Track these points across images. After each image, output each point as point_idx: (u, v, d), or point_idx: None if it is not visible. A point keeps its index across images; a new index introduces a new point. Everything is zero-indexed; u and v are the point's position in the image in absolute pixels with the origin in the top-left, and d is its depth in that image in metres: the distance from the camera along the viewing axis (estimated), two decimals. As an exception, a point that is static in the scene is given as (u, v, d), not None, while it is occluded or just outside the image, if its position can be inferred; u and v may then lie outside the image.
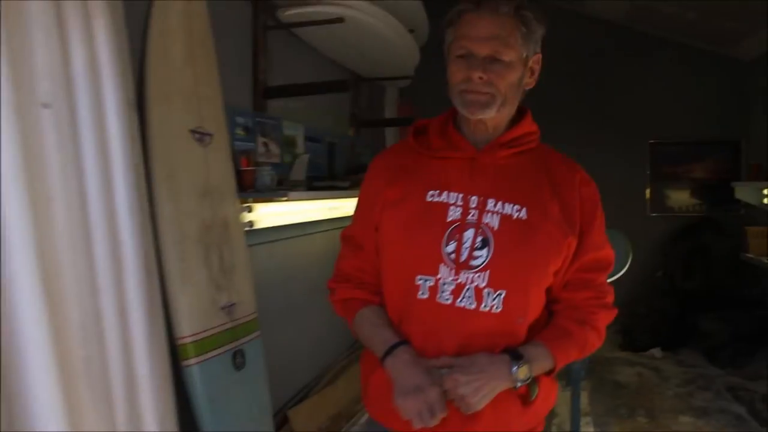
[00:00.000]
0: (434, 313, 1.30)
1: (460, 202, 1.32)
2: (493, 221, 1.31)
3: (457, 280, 1.29)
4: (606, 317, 1.40)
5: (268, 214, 2.78)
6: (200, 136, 2.26)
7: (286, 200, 2.71)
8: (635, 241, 5.24)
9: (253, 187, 2.63)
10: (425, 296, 1.30)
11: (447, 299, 1.29)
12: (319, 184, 3.40)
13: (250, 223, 2.64)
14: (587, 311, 1.38)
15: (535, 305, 1.36)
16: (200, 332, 2.12)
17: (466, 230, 1.30)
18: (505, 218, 1.31)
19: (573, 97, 5.52)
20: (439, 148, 1.39)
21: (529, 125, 1.40)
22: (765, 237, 4.30)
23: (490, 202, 1.32)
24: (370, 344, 1.40)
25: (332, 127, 4.07)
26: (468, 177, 1.35)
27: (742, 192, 4.56)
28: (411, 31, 4.20)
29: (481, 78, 1.27)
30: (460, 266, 1.29)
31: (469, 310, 1.29)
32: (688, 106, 5.41)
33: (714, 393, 4.09)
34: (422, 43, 4.60)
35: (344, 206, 3.53)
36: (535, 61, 1.36)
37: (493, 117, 1.33)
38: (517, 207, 1.32)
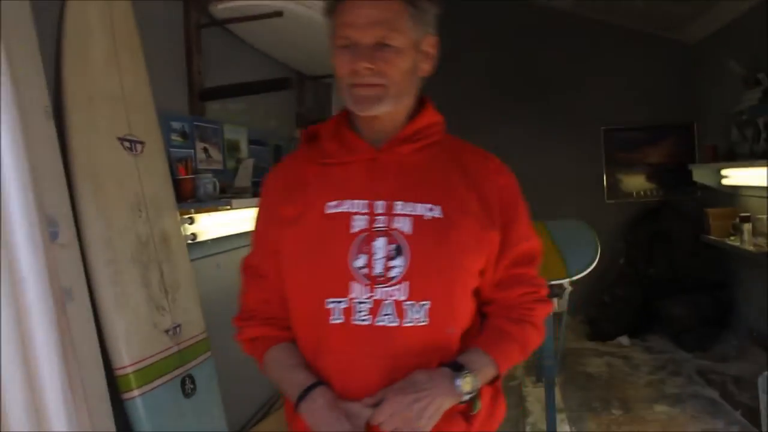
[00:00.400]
0: (352, 338, 1.14)
1: (364, 210, 1.17)
2: (404, 225, 1.16)
3: (373, 296, 1.13)
4: (542, 311, 1.29)
5: (212, 225, 2.61)
6: (130, 143, 2.08)
7: (229, 209, 2.53)
8: (596, 229, 5.27)
9: (193, 197, 2.46)
10: (339, 320, 1.14)
11: (364, 320, 1.13)
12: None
13: (193, 236, 2.47)
14: (523, 308, 1.26)
15: (465, 311, 1.22)
16: (142, 359, 1.93)
17: (375, 240, 1.15)
18: (417, 220, 1.16)
19: (523, 88, 5.46)
20: (334, 153, 1.23)
21: (431, 115, 1.27)
22: (725, 218, 4.27)
23: (398, 205, 1.17)
24: (283, 388, 1.23)
25: (278, 128, 3.90)
26: (370, 180, 1.19)
27: (700, 174, 4.53)
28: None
29: (368, 68, 1.13)
30: (375, 281, 1.13)
31: (392, 328, 1.13)
32: (639, 91, 5.38)
33: (685, 378, 4.04)
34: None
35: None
36: (430, 44, 1.22)
37: (389, 111, 1.19)
38: (429, 206, 1.17)
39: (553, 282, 2.84)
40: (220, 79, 2.93)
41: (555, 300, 2.93)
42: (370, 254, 1.14)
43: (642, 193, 5.51)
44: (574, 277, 2.79)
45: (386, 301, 1.13)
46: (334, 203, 1.18)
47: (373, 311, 1.13)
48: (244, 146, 3.26)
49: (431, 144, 1.25)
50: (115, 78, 2.06)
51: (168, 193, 2.24)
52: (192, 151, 2.70)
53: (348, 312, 1.13)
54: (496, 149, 1.36)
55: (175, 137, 2.57)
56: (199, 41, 2.80)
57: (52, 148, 1.67)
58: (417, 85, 1.23)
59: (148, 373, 1.94)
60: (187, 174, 2.46)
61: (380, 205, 1.16)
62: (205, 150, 2.83)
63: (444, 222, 1.17)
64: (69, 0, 1.91)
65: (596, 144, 5.53)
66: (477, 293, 1.25)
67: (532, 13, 5.49)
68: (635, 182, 5.53)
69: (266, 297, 1.28)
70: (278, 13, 2.70)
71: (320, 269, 1.17)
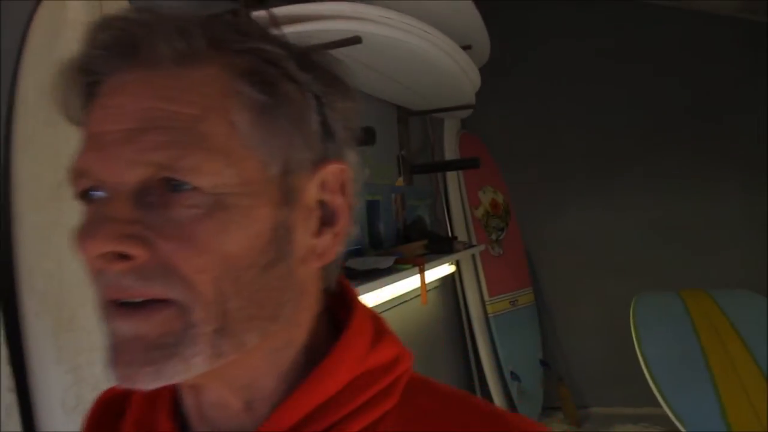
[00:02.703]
0: None
1: None
2: None
3: None
4: None
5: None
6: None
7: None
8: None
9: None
10: None
11: None
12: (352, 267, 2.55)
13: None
14: None
15: None
16: None
17: None
18: None
19: (675, 111, 4.57)
20: None
21: (357, 360, 0.63)
22: None
23: None
24: None
25: (372, 178, 3.25)
26: None
27: None
28: (467, 47, 3.37)
29: (122, 258, 0.51)
30: None
31: None
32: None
33: None
34: (483, 62, 3.77)
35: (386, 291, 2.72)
36: (333, 181, 0.63)
37: (222, 373, 0.56)
38: None
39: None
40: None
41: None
42: None
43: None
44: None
45: None
46: None
47: None
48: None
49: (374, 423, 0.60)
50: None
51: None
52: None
53: None
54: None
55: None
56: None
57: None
58: (311, 290, 0.62)
59: None
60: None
61: None
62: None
63: None
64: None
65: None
66: None
67: (688, 18, 4.58)
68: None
69: None
70: (356, 39, 2.03)
71: None
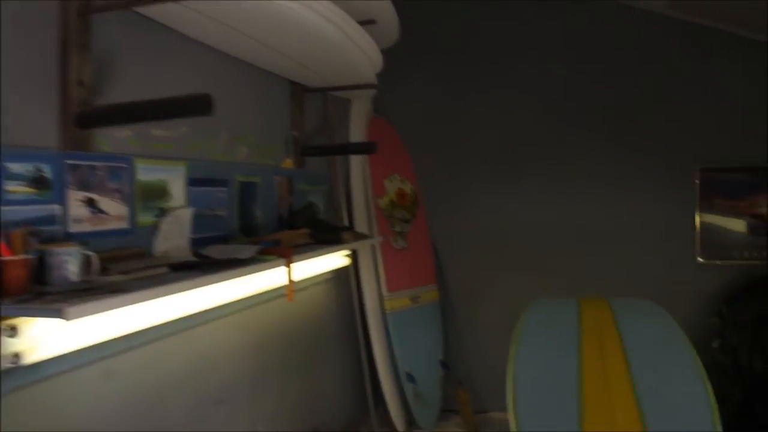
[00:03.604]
0: None
1: None
2: None
3: None
4: None
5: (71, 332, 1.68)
6: None
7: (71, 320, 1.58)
8: (681, 297, 4.18)
9: (24, 292, 1.53)
10: None
11: None
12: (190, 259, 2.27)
13: (15, 358, 1.54)
14: None
15: None
16: None
17: None
18: None
19: (595, 113, 4.46)
20: None
21: None
22: None
23: None
24: None
25: (254, 158, 2.99)
26: None
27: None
28: (369, 22, 3.15)
29: None
30: None
31: None
32: (751, 120, 4.26)
33: None
34: (392, 40, 3.56)
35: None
36: None
37: None
38: None
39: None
40: (121, 93, 2.03)
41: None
42: None
43: (747, 254, 4.36)
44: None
45: None
46: None
47: None
48: (177, 189, 2.34)
49: None
50: None
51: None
52: (56, 207, 1.79)
53: None
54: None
55: (15, 187, 1.66)
56: (86, 30, 1.89)
57: None
58: None
59: None
60: (16, 251, 1.54)
61: None
62: (90, 202, 1.91)
63: None
64: None
65: (689, 187, 4.41)
66: None
67: (607, 13, 4.45)
68: (738, 239, 4.38)
69: None
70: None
71: None
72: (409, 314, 4.30)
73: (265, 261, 2.37)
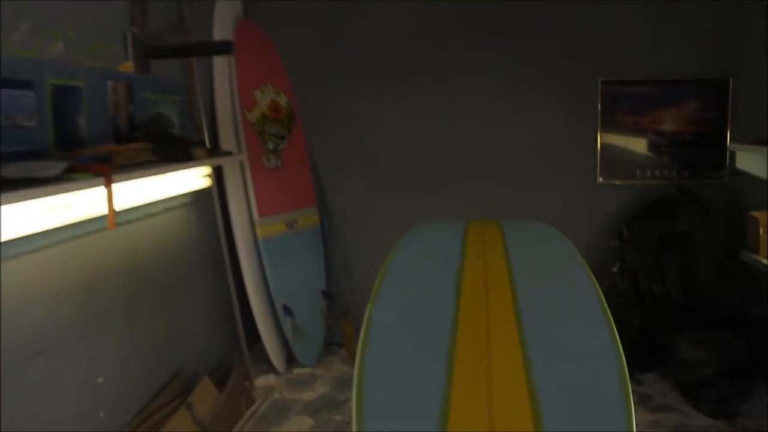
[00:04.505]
0: None
1: None
2: None
3: None
4: None
5: None
6: None
7: None
8: (580, 220, 3.96)
9: None
10: None
11: None
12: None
13: None
14: None
15: None
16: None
17: None
18: None
19: (496, 18, 4.10)
20: None
21: None
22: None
23: None
24: None
25: (75, 57, 2.46)
26: None
27: (748, 159, 3.19)
28: None
29: None
30: None
31: None
32: (653, 30, 4.02)
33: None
34: None
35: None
36: None
37: None
38: None
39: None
40: None
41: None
42: None
43: (650, 173, 4.18)
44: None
45: None
46: None
47: None
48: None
49: None
50: None
51: None
52: None
53: None
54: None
55: None
56: None
57: None
58: None
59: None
60: None
61: None
62: None
63: None
64: None
65: (590, 101, 4.16)
66: None
67: None
68: (641, 157, 4.18)
69: None
70: None
71: None
72: (285, 241, 3.91)
73: (74, 180, 1.91)
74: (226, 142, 3.64)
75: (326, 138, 4.29)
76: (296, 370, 4.02)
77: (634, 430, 1.10)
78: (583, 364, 1.32)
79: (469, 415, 1.15)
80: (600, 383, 1.27)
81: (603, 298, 1.64)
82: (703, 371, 3.35)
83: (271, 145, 3.91)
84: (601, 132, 4.15)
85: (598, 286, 1.76)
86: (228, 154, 3.23)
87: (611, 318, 1.55)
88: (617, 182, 4.18)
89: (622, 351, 1.32)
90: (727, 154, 4.02)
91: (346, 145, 4.29)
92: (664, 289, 3.56)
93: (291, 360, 4.05)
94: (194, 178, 3.15)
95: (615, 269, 3.89)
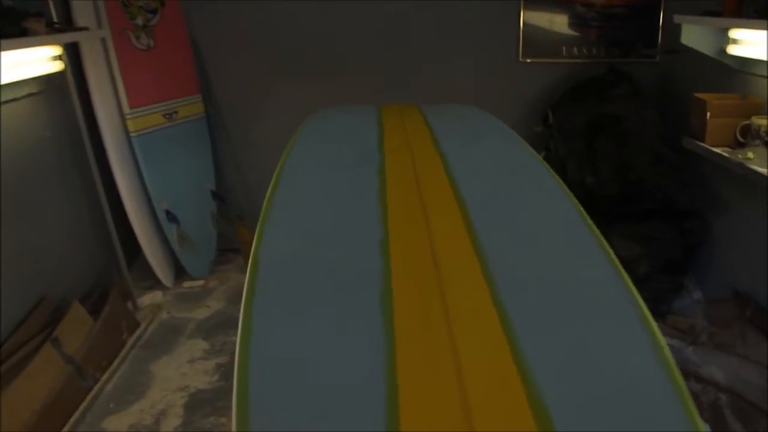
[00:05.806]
0: None
1: None
2: None
3: None
4: None
5: None
6: None
7: None
8: (501, 100, 3.64)
9: None
10: None
11: None
12: None
13: None
14: None
15: None
16: None
17: None
18: None
19: None
20: None
21: None
22: (728, 114, 2.71)
23: None
24: None
25: None
26: None
27: (693, 34, 2.85)
28: None
29: None
30: None
31: None
32: None
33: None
34: None
35: None
36: None
37: None
38: None
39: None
40: None
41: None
42: None
43: (577, 50, 3.81)
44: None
45: None
46: None
47: None
48: None
49: None
50: None
51: None
52: None
53: None
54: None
55: None
56: None
57: None
58: None
59: None
60: None
61: None
62: None
63: None
64: None
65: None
66: None
67: None
68: (568, 33, 3.79)
69: None
70: None
71: None
72: (163, 135, 3.38)
73: None
74: (82, 17, 3.01)
75: (210, 12, 3.67)
76: (186, 284, 3.60)
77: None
78: (577, 303, 0.96)
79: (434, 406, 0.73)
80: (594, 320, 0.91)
81: (581, 208, 1.29)
82: (637, 269, 3.13)
83: (140, 21, 3.29)
84: (524, 4, 3.73)
85: (568, 190, 1.41)
86: (83, 29, 2.63)
87: (600, 234, 1.21)
88: (542, 61, 3.81)
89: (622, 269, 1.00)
90: (660, 30, 3.70)
91: (235, 20, 3.69)
92: (597, 180, 3.27)
93: (180, 273, 3.61)
94: (39, 61, 2.56)
95: (542, 155, 3.58)
